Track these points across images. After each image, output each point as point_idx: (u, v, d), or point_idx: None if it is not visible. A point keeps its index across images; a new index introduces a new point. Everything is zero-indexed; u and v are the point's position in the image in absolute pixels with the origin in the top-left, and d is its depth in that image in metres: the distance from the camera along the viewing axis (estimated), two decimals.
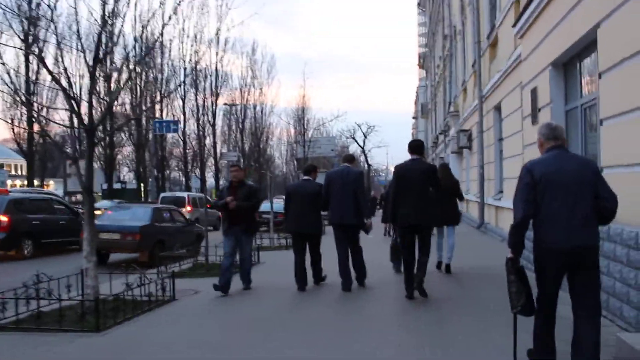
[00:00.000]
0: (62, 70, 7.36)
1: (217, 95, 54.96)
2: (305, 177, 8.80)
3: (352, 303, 7.59)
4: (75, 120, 7.33)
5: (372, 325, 6.23)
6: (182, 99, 51.49)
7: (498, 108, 15.24)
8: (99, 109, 8.99)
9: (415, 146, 7.43)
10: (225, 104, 55.93)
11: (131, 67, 8.77)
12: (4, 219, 14.05)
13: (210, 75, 54.00)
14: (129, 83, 29.69)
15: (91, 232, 7.23)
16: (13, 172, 67.89)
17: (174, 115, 51.39)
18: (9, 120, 33.56)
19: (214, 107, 55.13)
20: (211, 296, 8.27)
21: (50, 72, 7.10)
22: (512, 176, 12.80)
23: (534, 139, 9.51)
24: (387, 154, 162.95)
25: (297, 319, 6.77)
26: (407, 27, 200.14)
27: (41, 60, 7.38)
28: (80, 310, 6.06)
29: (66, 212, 16.68)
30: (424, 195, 7.11)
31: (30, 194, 18.95)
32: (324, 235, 9.52)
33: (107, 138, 42.93)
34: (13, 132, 35.00)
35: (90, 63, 7.24)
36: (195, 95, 53.04)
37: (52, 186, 48.54)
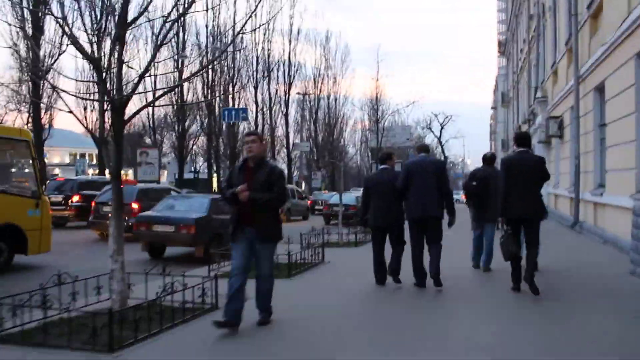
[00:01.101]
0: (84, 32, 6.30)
1: (290, 84, 54.25)
2: (383, 166, 8.22)
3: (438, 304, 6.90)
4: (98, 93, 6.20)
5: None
6: (254, 87, 50.99)
7: (600, 89, 13.23)
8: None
9: (523, 138, 7.43)
10: (298, 93, 55.11)
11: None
12: (136, 205, 15.95)
13: (283, 64, 53.35)
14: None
15: (119, 226, 6.13)
16: (94, 162, 69.99)
17: (246, 104, 51.01)
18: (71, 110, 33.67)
19: (286, 97, 54.46)
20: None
21: (67, 34, 6.01)
22: (619, 168, 10.91)
23: None
24: (464, 146, 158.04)
25: None
26: (485, 13, 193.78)
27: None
28: (92, 323, 4.90)
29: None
30: (534, 187, 7.10)
31: (153, 185, 21.91)
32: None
33: (179, 126, 43.08)
34: (86, 120, 35.24)
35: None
36: (268, 84, 52.49)
37: (130, 175, 49.08)
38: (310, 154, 56.37)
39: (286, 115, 54.93)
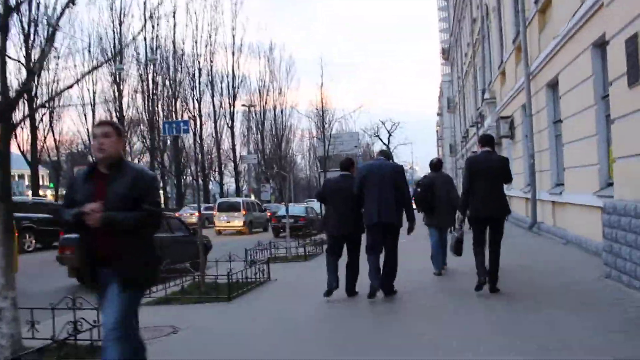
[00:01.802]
0: None
1: (235, 96, 53.09)
2: (344, 173, 7.87)
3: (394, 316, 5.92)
4: None
5: None
6: (197, 100, 49.60)
7: (553, 85, 12.72)
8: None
9: (487, 139, 7.52)
10: (243, 105, 53.99)
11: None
12: None
13: (227, 77, 52.16)
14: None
15: (7, 255, 5.00)
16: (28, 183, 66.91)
17: (190, 117, 49.50)
18: None
19: (231, 109, 53.26)
20: (194, 336, 6.01)
21: None
22: (579, 164, 10.34)
23: (629, 107, 7.18)
24: (412, 153, 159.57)
25: None
26: (427, 24, 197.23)
27: None
28: None
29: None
30: (499, 187, 7.14)
31: None
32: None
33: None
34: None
35: None
36: (212, 96, 51.17)
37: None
38: (259, 166, 55.39)
39: (232, 127, 53.79)
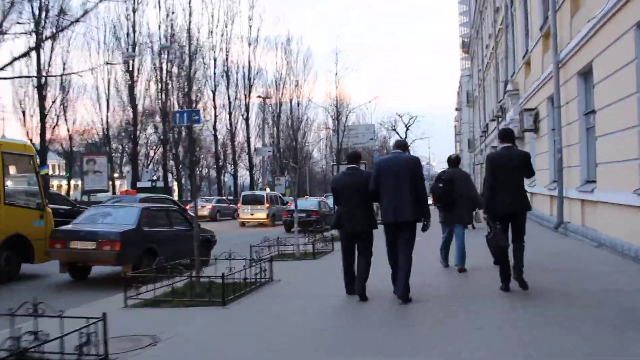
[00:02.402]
0: None
1: (250, 87, 52.32)
2: (352, 166, 7.50)
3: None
4: None
5: None
6: (212, 91, 48.92)
7: (585, 72, 11.73)
8: None
9: (507, 134, 7.32)
10: (259, 96, 53.20)
11: None
12: None
13: (243, 68, 51.39)
14: None
15: None
16: (51, 172, 66.79)
17: (204, 108, 48.81)
18: None
19: (247, 101, 52.50)
20: (174, 350, 5.20)
21: None
22: (615, 159, 9.37)
23: None
24: (429, 148, 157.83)
25: None
26: (447, 17, 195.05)
27: None
28: None
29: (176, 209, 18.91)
30: (519, 182, 7.01)
31: (152, 195, 21.81)
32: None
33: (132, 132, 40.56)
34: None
35: None
36: (227, 87, 50.44)
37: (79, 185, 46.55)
38: (274, 159, 54.68)
39: (247, 119, 53.03)
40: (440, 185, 8.95)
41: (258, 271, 8.57)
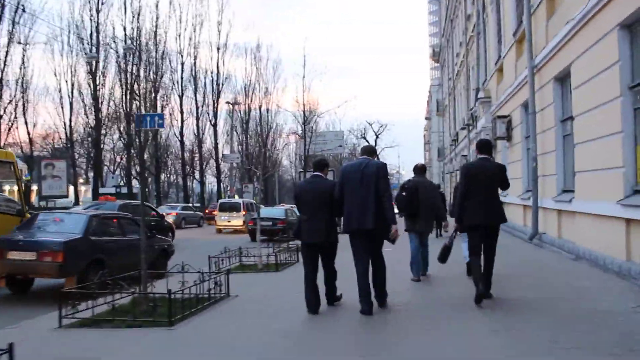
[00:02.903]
0: None
1: (219, 93, 51.30)
2: (316, 174, 7.22)
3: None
4: None
5: None
6: (179, 96, 47.72)
7: (562, 77, 11.28)
8: None
9: (484, 145, 7.25)
10: (227, 102, 52.22)
11: None
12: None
13: (211, 73, 50.36)
14: None
15: None
16: None
17: (170, 114, 47.67)
18: None
19: (215, 107, 51.46)
20: None
21: None
22: (595, 167, 8.87)
23: None
24: (399, 157, 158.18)
25: None
26: (416, 26, 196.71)
27: None
28: None
29: (154, 215, 21.09)
30: (495, 194, 7.05)
31: (131, 202, 22.42)
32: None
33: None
34: None
35: None
36: (194, 92, 49.34)
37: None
38: (242, 165, 53.70)
39: (215, 125, 51.94)
40: (404, 194, 9.01)
41: (213, 286, 7.81)
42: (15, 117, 32.55)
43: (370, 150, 7.34)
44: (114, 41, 37.24)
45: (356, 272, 6.67)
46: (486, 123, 20.28)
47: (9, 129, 31.88)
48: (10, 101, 31.09)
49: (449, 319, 6.15)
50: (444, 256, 7.85)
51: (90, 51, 36.72)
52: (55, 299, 6.81)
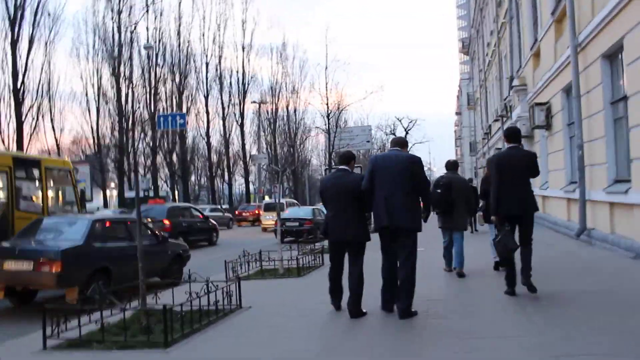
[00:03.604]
0: None
1: (245, 93, 50.60)
2: (342, 167, 6.73)
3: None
4: None
5: None
6: (204, 96, 47.21)
7: (611, 54, 10.11)
8: None
9: (513, 133, 7.11)
10: (253, 102, 51.53)
11: None
12: (167, 222, 18.88)
13: (237, 73, 49.69)
14: None
15: None
16: None
17: (197, 115, 47.20)
18: None
19: (241, 107, 50.79)
20: None
21: None
22: None
23: None
24: (430, 153, 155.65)
25: None
26: (445, 21, 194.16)
27: None
28: None
29: (200, 217, 22.02)
30: (525, 183, 6.86)
31: (179, 204, 24.80)
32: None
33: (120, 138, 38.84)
34: None
35: None
36: (220, 92, 48.74)
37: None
38: (269, 166, 53.00)
39: (241, 125, 51.31)
40: (439, 190, 8.86)
41: (223, 297, 6.91)
42: (37, 122, 32.25)
43: (402, 142, 6.80)
44: (137, 42, 36.72)
45: (382, 271, 6.38)
46: (522, 112, 19.02)
47: (31, 135, 31.59)
48: (32, 106, 30.80)
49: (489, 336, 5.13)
50: (503, 252, 6.95)
51: (113, 53, 36.32)
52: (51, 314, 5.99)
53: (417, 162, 6.34)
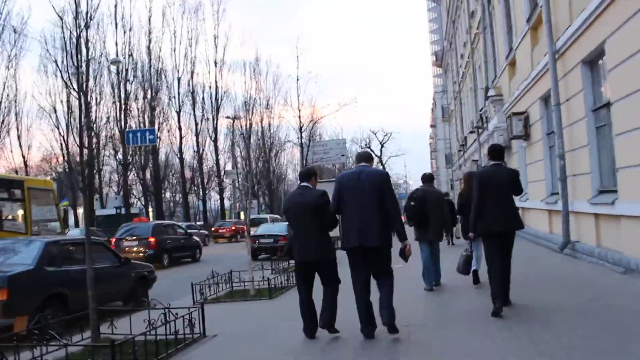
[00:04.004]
0: None
1: (218, 109, 49.84)
2: (303, 184, 6.44)
3: None
4: None
5: None
6: (177, 112, 46.36)
7: (591, 60, 9.77)
8: None
9: (496, 150, 7.12)
10: (227, 117, 50.76)
11: None
12: (152, 239, 19.12)
13: (210, 88, 48.94)
14: None
15: None
16: None
17: (169, 131, 46.38)
18: None
19: (215, 122, 49.99)
20: None
21: None
22: None
23: None
24: (406, 166, 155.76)
25: None
26: (417, 34, 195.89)
27: None
28: None
29: (183, 234, 22.15)
30: (509, 200, 6.82)
31: (162, 222, 25.02)
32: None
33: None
34: None
35: None
36: (193, 108, 47.93)
37: None
38: (245, 181, 52.05)
39: (215, 141, 50.43)
40: (412, 203, 8.90)
41: (185, 325, 6.28)
42: (2, 140, 31.10)
43: (367, 157, 6.47)
44: (106, 58, 35.82)
45: (354, 291, 5.94)
46: (499, 123, 18.70)
47: None
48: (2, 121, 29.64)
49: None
50: (466, 267, 8.19)
51: (79, 68, 35.38)
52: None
53: (386, 177, 6.12)
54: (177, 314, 6.14)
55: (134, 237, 19.58)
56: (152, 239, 19.16)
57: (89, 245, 6.21)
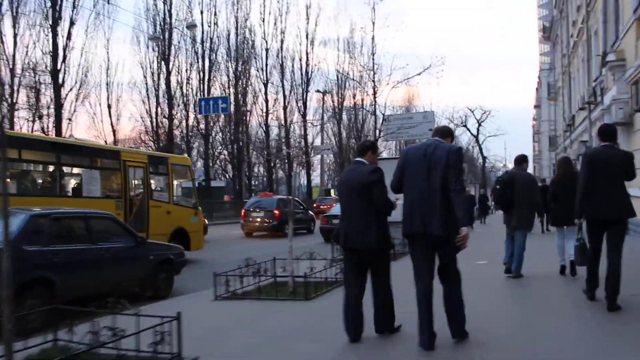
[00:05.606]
0: None
1: (308, 80, 48.05)
2: (357, 159, 5.54)
3: None
4: None
5: None
6: (264, 84, 45.07)
7: None
8: None
9: (608, 131, 6.60)
10: (317, 90, 49.03)
11: None
12: (277, 212, 21.88)
13: (300, 60, 47.23)
14: None
15: None
16: None
17: (254, 102, 45.25)
18: None
19: (304, 95, 48.32)
20: None
21: None
22: None
23: None
24: (505, 149, 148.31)
25: None
26: (523, 13, 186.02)
27: None
28: None
29: (301, 208, 24.08)
30: (620, 185, 6.29)
31: (283, 197, 26.24)
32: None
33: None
34: None
35: None
36: (282, 80, 46.45)
37: None
38: (335, 157, 50.42)
39: (304, 115, 48.79)
40: (497, 187, 8.84)
41: (158, 339, 4.38)
42: (76, 107, 31.12)
43: (444, 131, 5.50)
44: (188, 27, 34.86)
45: (416, 289, 5.04)
46: (618, 94, 15.53)
47: (69, 120, 30.34)
48: (71, 89, 29.56)
49: None
50: (582, 257, 6.81)
51: (164, 38, 34.66)
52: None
53: (455, 151, 5.04)
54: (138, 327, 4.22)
55: (261, 209, 22.35)
56: (276, 211, 21.77)
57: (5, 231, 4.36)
